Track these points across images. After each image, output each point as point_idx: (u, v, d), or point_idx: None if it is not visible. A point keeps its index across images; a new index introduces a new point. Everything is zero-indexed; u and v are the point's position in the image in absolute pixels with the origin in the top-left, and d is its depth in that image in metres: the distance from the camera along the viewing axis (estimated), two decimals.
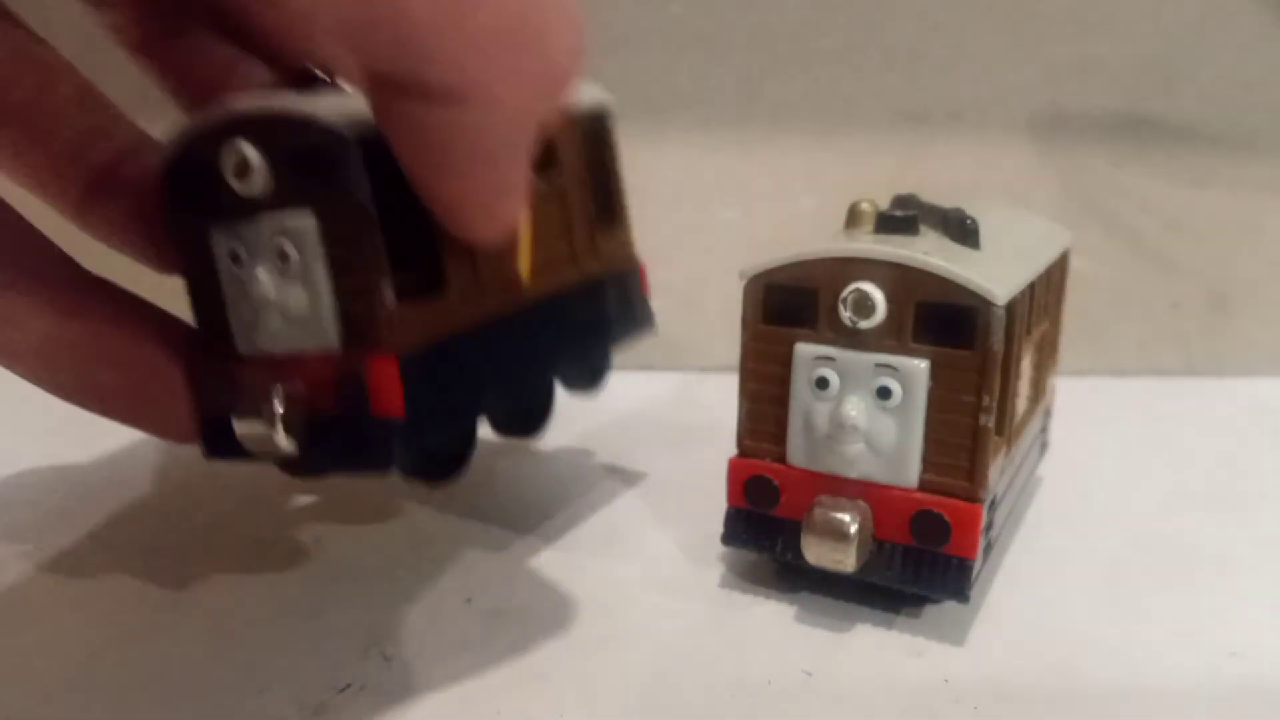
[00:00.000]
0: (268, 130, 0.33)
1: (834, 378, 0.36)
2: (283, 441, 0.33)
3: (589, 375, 0.45)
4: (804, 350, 0.37)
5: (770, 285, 0.37)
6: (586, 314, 0.43)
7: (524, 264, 0.39)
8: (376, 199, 0.32)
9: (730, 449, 0.39)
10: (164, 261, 0.38)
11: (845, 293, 0.35)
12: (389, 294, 0.33)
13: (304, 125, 0.32)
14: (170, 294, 0.37)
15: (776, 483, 0.38)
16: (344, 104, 0.33)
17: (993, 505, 0.37)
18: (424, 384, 0.34)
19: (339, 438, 0.34)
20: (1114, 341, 0.70)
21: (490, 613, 0.38)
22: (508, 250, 0.38)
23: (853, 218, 0.40)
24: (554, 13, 0.28)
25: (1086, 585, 0.41)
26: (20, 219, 0.35)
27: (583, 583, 0.41)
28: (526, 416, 0.44)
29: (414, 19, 0.25)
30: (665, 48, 0.66)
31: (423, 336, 0.34)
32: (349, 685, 0.34)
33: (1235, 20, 0.65)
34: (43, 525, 0.45)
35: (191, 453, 0.56)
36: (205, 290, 0.35)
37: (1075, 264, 0.50)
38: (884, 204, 0.40)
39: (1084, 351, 0.68)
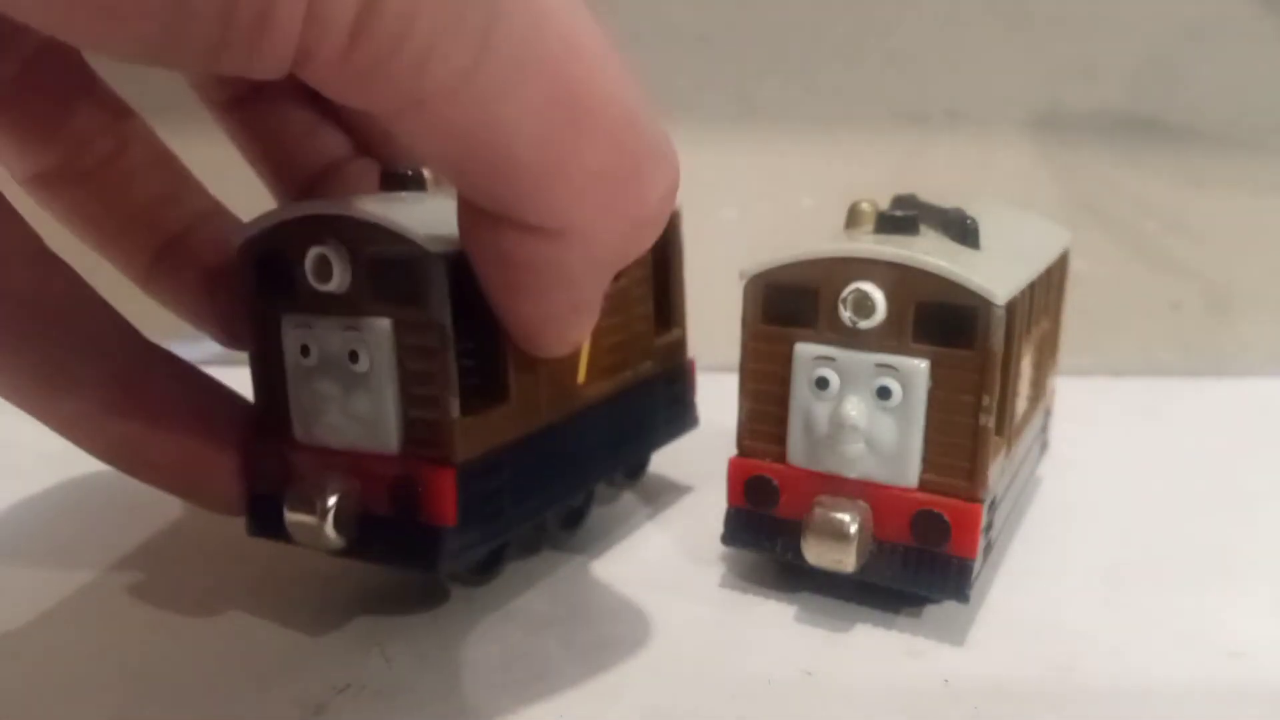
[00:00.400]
0: (356, 234, 0.33)
1: (834, 378, 0.36)
2: (332, 537, 0.33)
3: (629, 472, 0.45)
4: (804, 350, 0.37)
5: (770, 285, 0.37)
6: (636, 417, 0.44)
7: (582, 370, 0.39)
8: (453, 313, 0.32)
9: (730, 449, 0.39)
10: (229, 335, 0.37)
11: (845, 293, 0.35)
12: (455, 408, 0.33)
13: (394, 237, 0.32)
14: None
15: (776, 483, 0.38)
16: (432, 213, 0.33)
17: (993, 505, 0.37)
18: (477, 495, 0.34)
19: (388, 537, 0.34)
20: (1114, 342, 0.70)
21: (491, 613, 0.38)
22: (569, 359, 0.39)
23: (853, 218, 0.40)
24: (652, 157, 0.28)
25: (1086, 585, 0.41)
26: (82, 284, 0.34)
27: (583, 583, 0.41)
28: (568, 516, 0.44)
29: (518, 160, 0.25)
30: (665, 48, 0.66)
31: (481, 448, 0.34)
32: (349, 685, 0.34)
33: (1235, 20, 0.65)
34: (45, 526, 0.45)
35: None
36: (269, 372, 0.36)
37: (1075, 264, 0.50)
38: (884, 204, 0.41)
39: (1084, 352, 0.68)
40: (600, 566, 0.42)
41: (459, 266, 0.31)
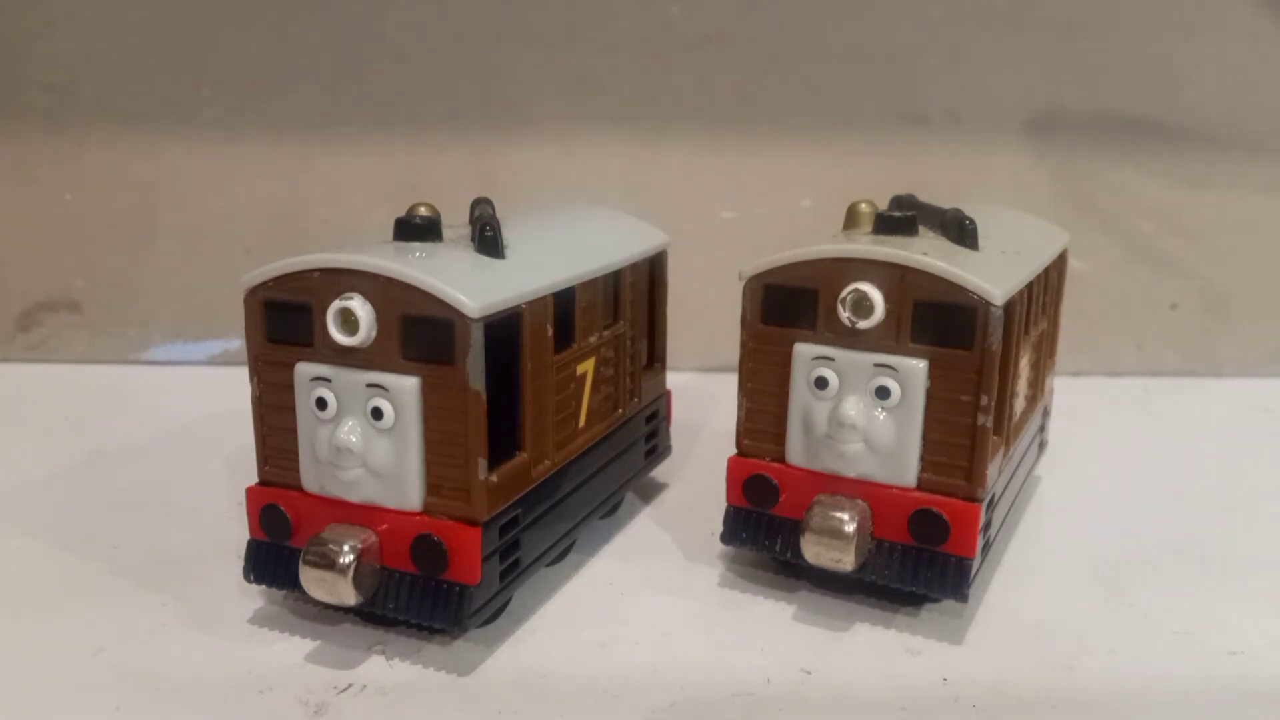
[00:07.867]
0: (386, 291, 0.32)
1: (833, 377, 0.36)
2: (350, 592, 0.33)
3: (609, 508, 0.45)
4: (803, 350, 0.37)
5: (770, 285, 0.37)
6: (624, 453, 0.44)
7: (582, 414, 0.40)
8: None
9: (730, 449, 0.39)
10: None
11: (844, 293, 0.35)
12: (483, 469, 0.33)
13: (429, 298, 0.32)
14: None
15: (776, 482, 0.38)
16: (457, 269, 0.33)
17: (991, 504, 0.37)
18: (498, 551, 0.34)
19: (409, 594, 0.34)
20: (1112, 341, 0.70)
21: None
22: (574, 406, 0.39)
23: (851, 218, 0.40)
24: None
25: (1085, 584, 0.41)
26: None
27: (583, 583, 0.41)
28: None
29: None
30: (665, 48, 0.66)
31: (502, 503, 0.34)
32: (349, 685, 0.34)
33: (1234, 20, 0.65)
34: (46, 524, 0.45)
35: (194, 454, 0.56)
36: (274, 417, 0.35)
37: (1073, 264, 0.50)
38: (883, 205, 0.41)
39: (1082, 351, 0.68)
40: (599, 566, 0.42)
41: (488, 327, 0.32)
